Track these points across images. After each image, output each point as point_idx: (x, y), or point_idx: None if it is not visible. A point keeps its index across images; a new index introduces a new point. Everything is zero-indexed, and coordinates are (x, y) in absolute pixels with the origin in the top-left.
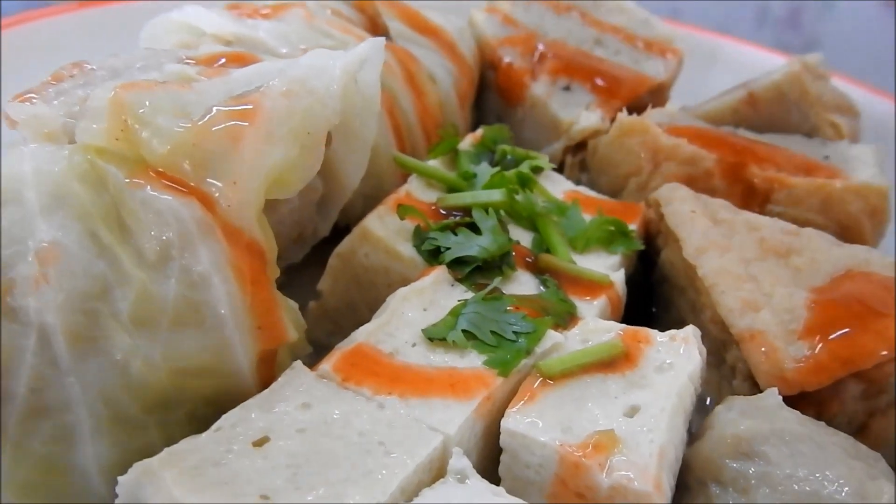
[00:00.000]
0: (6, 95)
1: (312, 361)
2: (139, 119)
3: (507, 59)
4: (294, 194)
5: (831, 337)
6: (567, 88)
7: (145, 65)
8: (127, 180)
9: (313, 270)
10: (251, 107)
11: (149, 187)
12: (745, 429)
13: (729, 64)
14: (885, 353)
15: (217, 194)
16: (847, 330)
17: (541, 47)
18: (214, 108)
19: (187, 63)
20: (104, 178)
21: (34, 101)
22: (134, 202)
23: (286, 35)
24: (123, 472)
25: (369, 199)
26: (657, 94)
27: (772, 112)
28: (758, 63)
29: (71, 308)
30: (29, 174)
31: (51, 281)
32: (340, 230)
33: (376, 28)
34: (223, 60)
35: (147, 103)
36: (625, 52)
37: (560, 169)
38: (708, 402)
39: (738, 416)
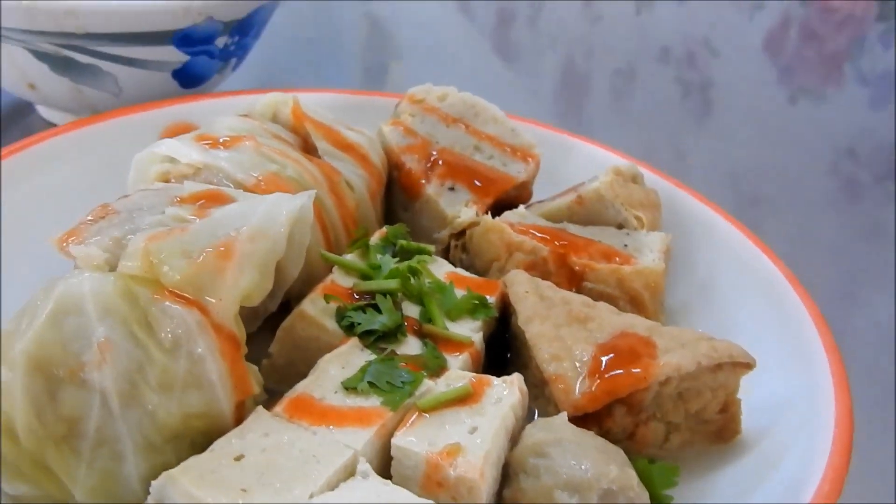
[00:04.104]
0: (9, 216)
1: (266, 402)
2: (159, 260)
3: (407, 164)
4: (257, 304)
5: (599, 378)
6: (452, 189)
7: (151, 206)
8: (152, 297)
9: (266, 335)
10: (228, 248)
11: (166, 302)
12: (539, 438)
13: (581, 158)
14: (637, 386)
15: (209, 305)
16: (612, 373)
17: (433, 154)
18: (206, 250)
19: (179, 204)
20: (137, 295)
21: (88, 242)
22: (157, 311)
23: (241, 162)
24: (154, 479)
25: (305, 283)
26: (521, 189)
27: (595, 209)
28: (601, 160)
29: (120, 379)
30: (88, 293)
31: (107, 362)
32: (284, 305)
33: (307, 146)
34: (203, 202)
35: (164, 249)
36: (496, 156)
37: (448, 249)
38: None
39: (537, 431)
